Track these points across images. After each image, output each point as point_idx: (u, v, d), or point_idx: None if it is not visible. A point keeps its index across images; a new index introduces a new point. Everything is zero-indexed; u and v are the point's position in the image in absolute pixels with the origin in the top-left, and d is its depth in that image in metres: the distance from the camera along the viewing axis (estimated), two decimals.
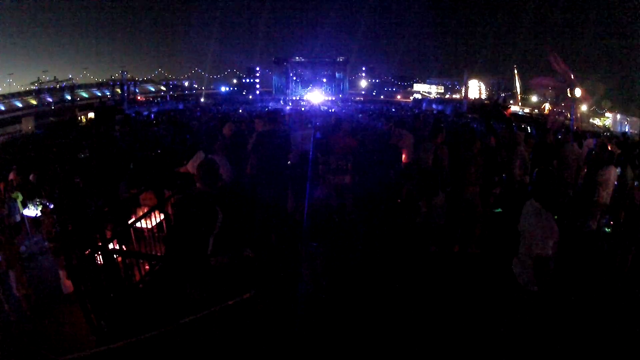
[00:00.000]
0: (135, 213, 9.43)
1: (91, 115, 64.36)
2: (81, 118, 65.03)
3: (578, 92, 50.49)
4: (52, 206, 12.60)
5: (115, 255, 6.92)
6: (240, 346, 5.09)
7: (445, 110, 69.61)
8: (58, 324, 7.85)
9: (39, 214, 12.56)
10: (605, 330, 6.40)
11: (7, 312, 8.63)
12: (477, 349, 6.06)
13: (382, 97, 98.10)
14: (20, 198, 13.83)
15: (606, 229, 10.69)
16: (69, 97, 74.98)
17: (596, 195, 10.41)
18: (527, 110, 73.67)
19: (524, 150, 10.66)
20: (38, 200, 13.42)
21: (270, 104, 76.37)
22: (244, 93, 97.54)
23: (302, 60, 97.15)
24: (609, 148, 12.47)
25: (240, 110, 56.09)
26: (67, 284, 9.00)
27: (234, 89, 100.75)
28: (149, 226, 8.61)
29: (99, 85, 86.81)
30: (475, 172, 8.63)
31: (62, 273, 9.23)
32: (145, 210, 8.78)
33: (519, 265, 5.47)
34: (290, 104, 75.41)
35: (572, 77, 51.48)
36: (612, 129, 53.73)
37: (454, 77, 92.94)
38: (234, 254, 5.09)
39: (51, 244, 10.05)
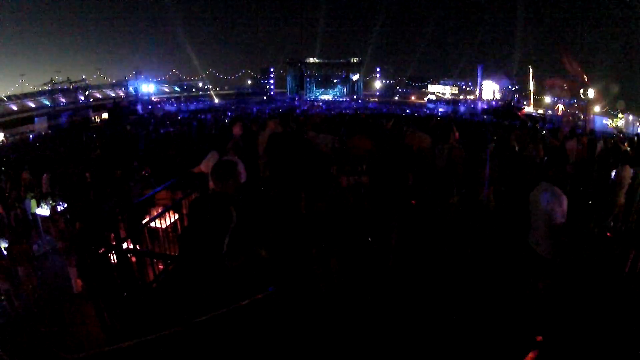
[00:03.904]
0: (149, 213, 9.44)
1: (105, 115, 64.69)
2: (94, 118, 65.28)
3: (591, 93, 50.43)
4: (64, 206, 12.65)
5: (129, 255, 6.92)
6: (253, 346, 5.07)
7: (459, 110, 69.63)
8: (69, 322, 7.87)
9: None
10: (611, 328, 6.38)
11: (17, 309, 8.66)
12: (489, 348, 6.04)
13: (396, 97, 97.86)
14: (30, 196, 13.90)
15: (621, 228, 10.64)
16: (82, 98, 75.14)
17: (613, 195, 10.38)
18: (540, 111, 73.47)
19: (532, 150, 10.65)
20: (50, 199, 13.48)
21: (287, 103, 76.76)
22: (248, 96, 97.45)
23: (317, 61, 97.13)
24: (622, 148, 12.45)
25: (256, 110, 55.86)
26: (78, 283, 9.02)
27: (248, 90, 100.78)
28: (164, 226, 8.62)
29: (113, 86, 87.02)
30: (489, 173, 8.58)
31: (72, 272, 9.24)
32: (160, 210, 8.78)
33: (536, 238, 6.35)
34: (305, 105, 75.51)
35: (586, 78, 51.35)
36: (624, 130, 53.43)
37: (468, 77, 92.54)
38: (248, 254, 5.07)
39: (62, 244, 10.07)
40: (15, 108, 66.96)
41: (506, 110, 65.95)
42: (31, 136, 48.67)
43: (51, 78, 75.77)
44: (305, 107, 67.69)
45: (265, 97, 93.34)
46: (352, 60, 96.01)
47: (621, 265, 8.23)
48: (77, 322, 7.66)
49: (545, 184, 6.25)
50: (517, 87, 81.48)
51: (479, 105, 73.28)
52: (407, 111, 66.37)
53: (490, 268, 8.16)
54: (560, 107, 68.22)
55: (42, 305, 8.76)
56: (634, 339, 6.20)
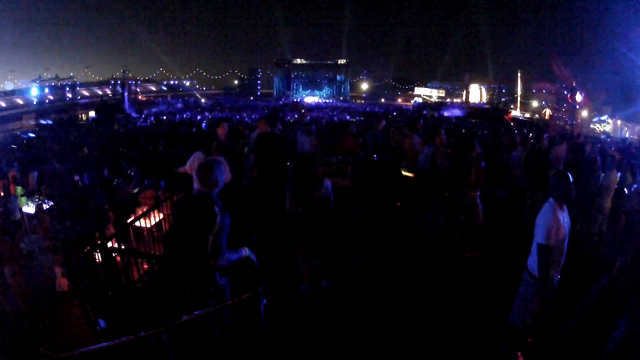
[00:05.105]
0: (134, 212, 9.45)
1: (92, 113, 64.43)
2: (82, 116, 65.02)
3: (579, 97, 50.61)
4: (50, 204, 12.64)
5: (114, 254, 6.93)
6: (238, 346, 5.11)
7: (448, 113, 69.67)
8: (55, 321, 7.87)
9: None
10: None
11: (4, 309, 8.64)
12: (472, 349, 6.09)
13: (382, 100, 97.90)
14: (20, 192, 13.87)
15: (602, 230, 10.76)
16: (70, 95, 74.71)
17: (601, 199, 10.47)
18: (527, 115, 73.75)
19: (521, 154, 10.68)
20: (37, 198, 13.46)
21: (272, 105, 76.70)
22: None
23: (304, 62, 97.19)
24: (610, 153, 12.54)
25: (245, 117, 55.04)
26: (62, 283, 9.02)
27: (235, 90, 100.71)
28: (148, 225, 8.63)
29: (101, 84, 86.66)
30: (475, 177, 8.59)
31: (57, 270, 9.23)
32: (145, 210, 8.80)
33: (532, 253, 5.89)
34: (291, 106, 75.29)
35: (573, 83, 51.57)
36: (612, 135, 53.73)
37: (455, 81, 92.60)
38: (233, 254, 5.10)
39: (48, 242, 10.06)
40: (3, 104, 66.46)
41: (493, 113, 66.22)
42: (19, 133, 48.25)
43: (39, 75, 75.41)
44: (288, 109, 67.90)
45: (252, 97, 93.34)
46: (339, 62, 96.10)
47: (608, 268, 8.32)
48: (64, 321, 7.67)
49: (551, 201, 5.71)
50: (504, 90, 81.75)
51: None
52: (394, 113, 66.38)
53: (479, 271, 8.24)
54: (548, 112, 68.50)
55: (29, 304, 8.74)
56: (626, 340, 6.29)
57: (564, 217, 5.66)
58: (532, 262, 5.74)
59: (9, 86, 78.05)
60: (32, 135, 37.94)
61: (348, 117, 49.60)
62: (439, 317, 6.71)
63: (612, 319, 6.81)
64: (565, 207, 5.78)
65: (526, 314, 5.82)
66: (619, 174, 10.99)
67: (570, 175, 5.62)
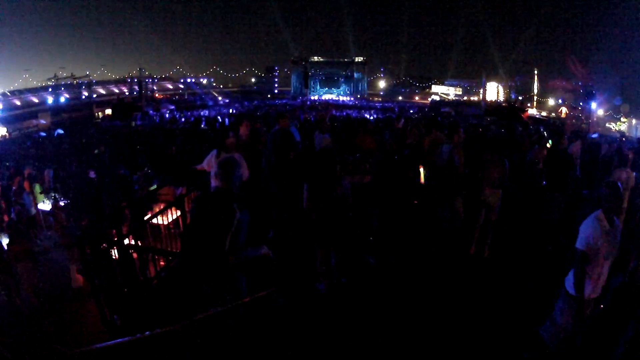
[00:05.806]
0: (151, 209, 9.44)
1: (108, 111, 64.68)
2: (98, 114, 65.26)
3: (595, 96, 50.14)
4: (66, 201, 12.66)
5: (130, 251, 6.92)
6: (255, 343, 5.08)
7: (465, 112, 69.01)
8: (69, 318, 7.86)
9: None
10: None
11: (18, 305, 8.65)
12: (486, 349, 6.04)
13: (400, 98, 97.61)
14: (38, 190, 13.92)
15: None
16: (86, 94, 74.94)
17: None
18: (544, 113, 73.27)
19: (538, 154, 10.59)
20: (53, 194, 13.49)
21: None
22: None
23: (321, 60, 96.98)
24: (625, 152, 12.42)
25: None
26: (78, 278, 9.01)
27: (252, 88, 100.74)
28: (165, 222, 8.61)
29: (117, 82, 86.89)
30: (497, 176, 8.50)
31: (72, 267, 9.23)
32: (162, 207, 8.79)
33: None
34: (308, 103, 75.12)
35: (590, 81, 51.17)
36: (627, 134, 53.23)
37: (472, 78, 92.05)
38: (251, 252, 5.08)
39: (64, 239, 10.06)
40: (18, 103, 66.80)
41: (510, 112, 65.75)
42: (35, 132, 48.41)
43: (55, 73, 75.71)
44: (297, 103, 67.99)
45: (269, 96, 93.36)
46: (356, 60, 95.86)
47: (622, 268, 8.22)
48: (78, 317, 7.66)
49: (600, 214, 5.30)
50: (521, 88, 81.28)
51: None
52: (411, 111, 66.09)
53: (494, 271, 8.17)
54: (564, 110, 68.08)
55: (43, 301, 8.74)
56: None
57: (610, 234, 5.24)
58: (569, 279, 5.46)
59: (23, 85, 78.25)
60: (42, 134, 38.00)
61: (366, 115, 49.31)
62: (458, 317, 6.66)
63: (625, 320, 6.73)
64: (617, 224, 5.39)
65: (557, 331, 5.67)
66: (635, 173, 10.84)
67: (620, 187, 5.30)
